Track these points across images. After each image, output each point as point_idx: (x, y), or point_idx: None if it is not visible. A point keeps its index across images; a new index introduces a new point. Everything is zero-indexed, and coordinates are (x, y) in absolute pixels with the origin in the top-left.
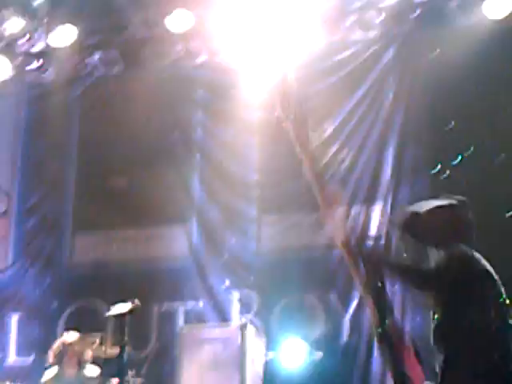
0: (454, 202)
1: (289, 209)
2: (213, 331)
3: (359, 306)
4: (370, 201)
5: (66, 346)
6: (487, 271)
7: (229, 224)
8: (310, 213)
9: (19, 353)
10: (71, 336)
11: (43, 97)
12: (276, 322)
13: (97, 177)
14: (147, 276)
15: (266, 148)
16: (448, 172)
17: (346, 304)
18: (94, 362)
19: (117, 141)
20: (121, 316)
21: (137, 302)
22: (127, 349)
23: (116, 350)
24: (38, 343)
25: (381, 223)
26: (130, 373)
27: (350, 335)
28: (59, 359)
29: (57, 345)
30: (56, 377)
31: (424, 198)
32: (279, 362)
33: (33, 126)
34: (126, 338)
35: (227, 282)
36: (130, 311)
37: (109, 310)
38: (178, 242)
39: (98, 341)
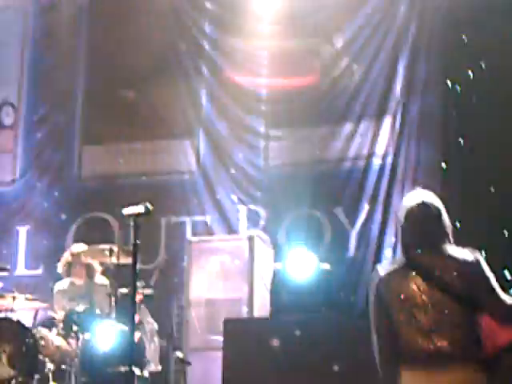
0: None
1: (297, 123)
2: (221, 242)
3: (366, 220)
4: (379, 115)
5: (74, 257)
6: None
7: (236, 139)
8: (318, 127)
9: (28, 265)
10: (79, 247)
11: (51, 8)
12: (283, 236)
13: (105, 89)
14: (155, 189)
15: (276, 61)
16: (460, 85)
17: (353, 218)
18: (103, 273)
19: (124, 53)
20: (135, 217)
21: (149, 204)
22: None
23: (126, 260)
24: (46, 255)
25: (390, 138)
26: (140, 283)
27: (357, 248)
28: (68, 270)
29: (65, 256)
30: (67, 288)
31: (434, 112)
32: (287, 273)
33: (40, 38)
34: (138, 242)
35: (235, 197)
36: (147, 211)
37: (120, 219)
38: (186, 156)
39: (106, 252)
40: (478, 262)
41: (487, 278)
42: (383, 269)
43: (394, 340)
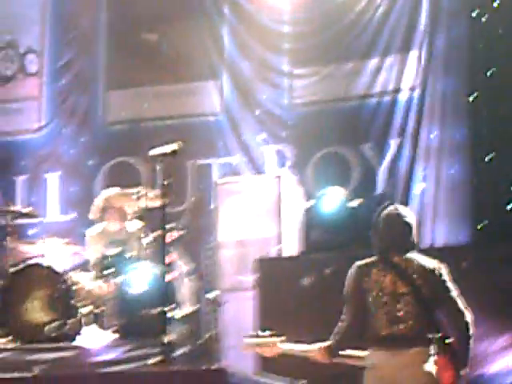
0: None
1: (321, 60)
2: (248, 183)
3: (394, 156)
4: (405, 49)
5: (107, 202)
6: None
7: (260, 78)
8: (343, 63)
9: (60, 211)
10: (111, 191)
11: None
12: (311, 174)
13: (128, 33)
14: (180, 132)
15: None
16: (487, 16)
17: (380, 155)
18: (136, 217)
19: None
20: (163, 157)
21: (179, 143)
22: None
23: (155, 204)
24: (77, 201)
25: (416, 73)
26: (170, 226)
27: (386, 185)
28: (101, 215)
29: (98, 201)
30: (100, 233)
31: (460, 45)
32: (316, 211)
33: None
34: (170, 182)
35: (261, 137)
36: (174, 151)
37: (147, 162)
38: (210, 98)
39: (137, 195)
40: (440, 273)
41: (447, 288)
42: (361, 262)
43: (363, 319)
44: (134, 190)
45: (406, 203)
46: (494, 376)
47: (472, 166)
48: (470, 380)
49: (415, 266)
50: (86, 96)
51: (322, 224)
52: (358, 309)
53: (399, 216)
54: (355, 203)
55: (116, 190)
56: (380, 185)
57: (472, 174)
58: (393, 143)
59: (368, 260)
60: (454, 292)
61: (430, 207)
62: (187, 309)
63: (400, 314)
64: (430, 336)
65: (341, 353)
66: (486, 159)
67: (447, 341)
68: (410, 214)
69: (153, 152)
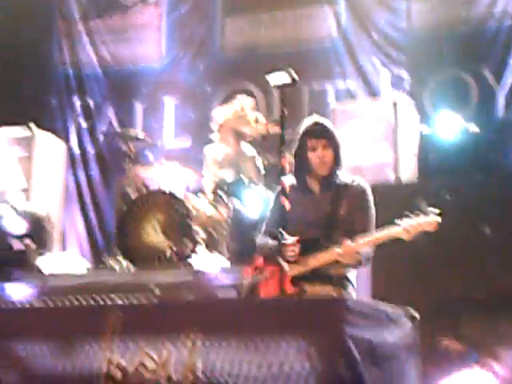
0: None
1: None
2: (365, 107)
3: None
4: None
5: (226, 122)
6: None
7: (378, 1)
8: None
9: (177, 135)
10: (230, 112)
11: None
12: (428, 99)
13: None
14: (296, 57)
15: None
16: None
17: (500, 78)
18: (251, 141)
19: None
20: (281, 88)
21: (293, 72)
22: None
23: (274, 129)
24: (193, 128)
25: None
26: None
27: (506, 109)
28: (220, 135)
29: (218, 120)
30: (217, 155)
31: None
32: (434, 136)
33: None
34: (285, 112)
35: (377, 62)
36: (294, 81)
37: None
38: (327, 23)
39: (255, 119)
40: None
41: None
42: None
43: None
44: (253, 113)
45: None
46: None
47: None
48: None
49: None
50: (204, 24)
51: (439, 149)
52: None
53: None
54: (474, 128)
55: (232, 110)
56: (500, 108)
57: None
58: None
59: None
60: None
61: None
62: None
63: None
64: None
65: None
66: None
67: None
68: None
69: (271, 80)
